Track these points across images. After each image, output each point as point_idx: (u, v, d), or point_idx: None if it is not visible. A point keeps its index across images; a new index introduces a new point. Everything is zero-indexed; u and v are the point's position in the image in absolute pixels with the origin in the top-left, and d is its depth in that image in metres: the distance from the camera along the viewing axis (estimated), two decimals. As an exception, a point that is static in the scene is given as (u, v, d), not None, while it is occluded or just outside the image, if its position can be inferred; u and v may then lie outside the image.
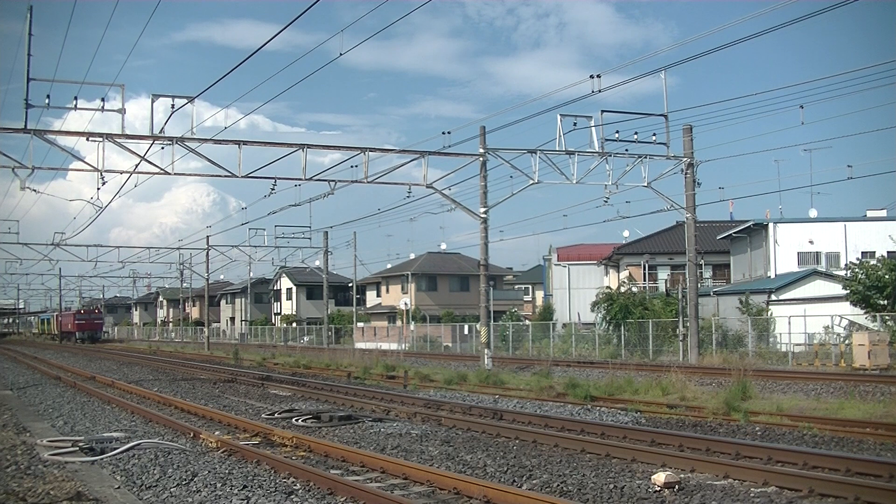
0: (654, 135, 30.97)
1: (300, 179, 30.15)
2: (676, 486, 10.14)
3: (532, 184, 30.82)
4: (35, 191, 33.11)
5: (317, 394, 23.64)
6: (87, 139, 26.71)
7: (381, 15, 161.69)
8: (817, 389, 21.95)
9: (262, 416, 18.51)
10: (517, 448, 13.60)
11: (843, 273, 38.68)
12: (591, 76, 26.35)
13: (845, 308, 34.01)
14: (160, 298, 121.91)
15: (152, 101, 25.99)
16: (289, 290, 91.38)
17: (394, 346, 52.66)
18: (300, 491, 10.11)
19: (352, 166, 30.44)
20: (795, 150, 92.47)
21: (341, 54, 21.70)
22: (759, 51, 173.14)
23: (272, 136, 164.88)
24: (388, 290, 79.27)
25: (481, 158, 32.25)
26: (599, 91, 26.22)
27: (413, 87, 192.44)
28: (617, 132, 30.44)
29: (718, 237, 52.34)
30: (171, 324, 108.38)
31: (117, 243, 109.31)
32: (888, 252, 38.50)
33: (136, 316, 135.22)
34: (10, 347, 71.96)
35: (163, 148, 27.45)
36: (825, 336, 33.39)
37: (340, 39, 21.20)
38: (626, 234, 62.91)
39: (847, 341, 30.14)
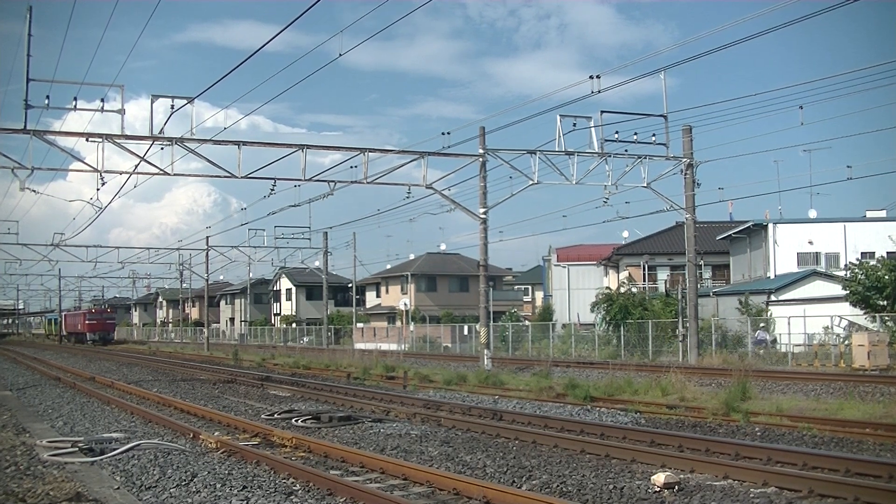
0: (654, 135, 30.95)
1: (300, 180, 30.16)
2: (676, 487, 10.14)
3: (531, 184, 30.82)
4: (35, 191, 33.12)
5: (316, 394, 23.63)
6: (87, 140, 26.70)
7: (381, 16, 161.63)
8: (817, 390, 21.95)
9: (262, 416, 18.51)
10: (517, 448, 13.60)
11: (842, 273, 38.69)
12: (591, 77, 26.35)
13: (845, 308, 34.00)
14: (160, 299, 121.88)
15: (152, 102, 25.99)
16: (288, 290, 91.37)
17: (393, 347, 52.65)
18: (300, 491, 10.11)
19: (351, 167, 30.46)
20: (795, 150, 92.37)
21: (340, 55, 21.67)
22: (759, 51, 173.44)
23: (273, 137, 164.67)
24: (387, 291, 79.28)
25: (481, 159, 32.26)
26: (599, 91, 26.19)
27: (414, 87, 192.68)
28: (616, 133, 30.43)
29: (718, 238, 52.33)
30: (170, 324, 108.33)
31: (117, 244, 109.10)
32: (888, 252, 38.48)
33: (135, 316, 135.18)
34: (10, 348, 71.89)
35: (162, 148, 27.45)
36: (825, 336, 33.40)
37: (340, 40, 21.19)
38: (625, 234, 62.98)
39: (847, 342, 30.15)
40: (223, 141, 28.06)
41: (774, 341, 34.58)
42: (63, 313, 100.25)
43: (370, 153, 29.73)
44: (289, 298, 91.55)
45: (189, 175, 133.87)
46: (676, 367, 24.15)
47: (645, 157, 31.45)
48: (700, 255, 38.26)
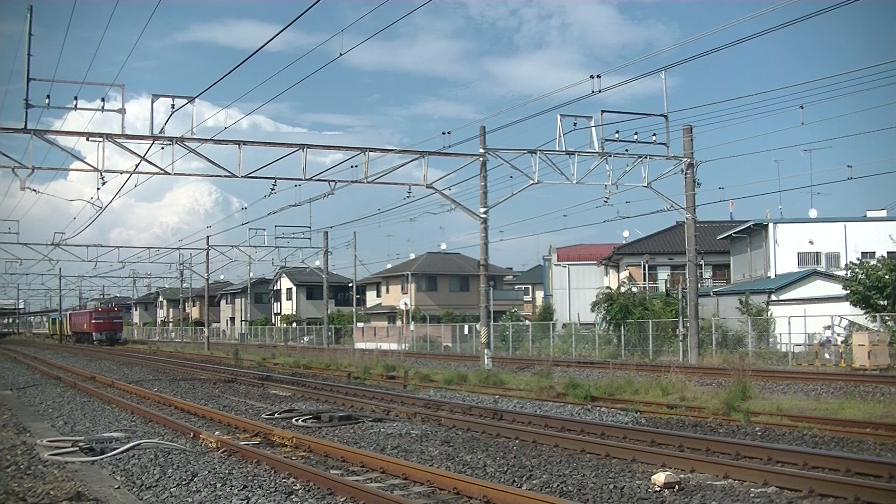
0: (654, 135, 30.98)
1: (300, 179, 30.17)
2: (676, 487, 10.14)
3: (532, 184, 30.82)
4: (35, 191, 33.13)
5: (317, 394, 23.64)
6: (88, 139, 26.71)
7: (382, 15, 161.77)
8: (817, 389, 21.95)
9: (262, 416, 18.52)
10: (517, 448, 13.60)
11: (843, 273, 38.67)
12: (592, 76, 26.37)
13: (845, 308, 33.98)
14: (160, 298, 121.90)
15: (152, 102, 26.00)
16: (289, 290, 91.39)
17: (394, 347, 52.67)
18: (300, 491, 10.11)
19: (352, 166, 30.46)
20: (795, 150, 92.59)
21: (341, 54, 21.73)
22: (759, 51, 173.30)
23: (274, 137, 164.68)
24: (388, 291, 79.27)
25: (481, 158, 32.26)
26: (600, 91, 26.25)
27: (415, 87, 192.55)
28: (617, 132, 30.44)
29: (718, 237, 52.34)
30: (170, 324, 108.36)
31: (118, 243, 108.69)
32: (888, 252, 38.48)
33: (136, 316, 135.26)
34: (11, 347, 71.89)
35: (163, 148, 27.46)
36: (825, 336, 33.36)
37: (341, 39, 21.23)
38: (625, 234, 63.02)
39: (847, 341, 30.12)
40: (224, 140, 28.08)
41: (845, 341, 31.77)
42: (68, 312, 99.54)
43: (371, 153, 29.73)
44: (289, 298, 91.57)
45: (189, 175, 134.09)
46: (677, 367, 24.17)
47: (645, 157, 31.45)
48: (700, 254, 38.26)
